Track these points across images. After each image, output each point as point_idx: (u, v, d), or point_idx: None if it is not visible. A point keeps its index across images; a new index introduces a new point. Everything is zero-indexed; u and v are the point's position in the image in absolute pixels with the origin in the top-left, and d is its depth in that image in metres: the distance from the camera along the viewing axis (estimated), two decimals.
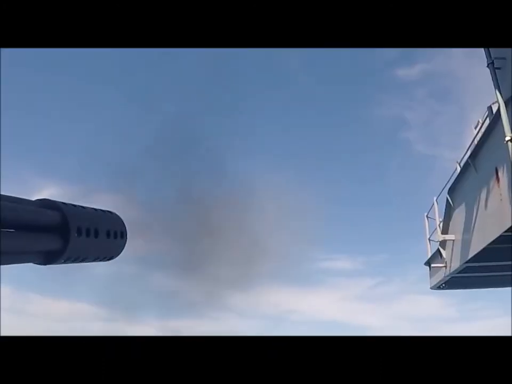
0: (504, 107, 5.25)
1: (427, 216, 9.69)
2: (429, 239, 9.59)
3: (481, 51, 5.77)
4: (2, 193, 0.84)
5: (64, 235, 0.93)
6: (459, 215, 7.64)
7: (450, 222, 8.19)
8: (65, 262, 0.97)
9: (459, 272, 8.06)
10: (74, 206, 1.02)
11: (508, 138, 5.02)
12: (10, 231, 0.84)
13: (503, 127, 5.17)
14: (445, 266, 8.49)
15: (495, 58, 5.59)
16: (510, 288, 8.97)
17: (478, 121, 7.12)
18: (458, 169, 7.56)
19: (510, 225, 5.30)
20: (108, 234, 1.08)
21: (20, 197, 0.90)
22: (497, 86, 5.42)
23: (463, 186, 7.54)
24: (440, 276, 8.93)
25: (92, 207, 1.11)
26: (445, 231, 8.28)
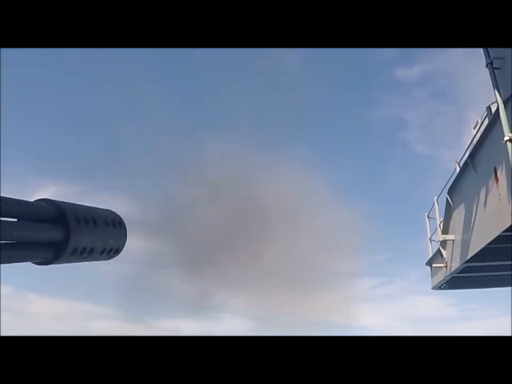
0: (503, 107, 5.26)
1: (428, 216, 9.71)
2: (430, 239, 9.61)
3: (480, 51, 5.77)
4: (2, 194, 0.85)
5: (64, 223, 0.96)
6: (459, 215, 7.65)
7: (451, 222, 8.20)
8: (72, 254, 0.98)
9: (459, 272, 8.07)
10: (73, 204, 1.04)
11: (506, 138, 5.03)
12: (13, 221, 0.86)
13: (501, 127, 5.18)
14: (446, 266, 8.51)
15: (494, 58, 5.59)
16: (510, 288, 8.98)
17: (477, 121, 7.13)
18: (458, 169, 7.58)
19: (509, 225, 5.30)
20: (106, 223, 1.12)
21: (19, 198, 0.92)
22: (496, 86, 5.43)
23: (462, 186, 7.55)
24: (441, 276, 8.95)
25: (91, 206, 1.13)
26: (445, 231, 8.29)
